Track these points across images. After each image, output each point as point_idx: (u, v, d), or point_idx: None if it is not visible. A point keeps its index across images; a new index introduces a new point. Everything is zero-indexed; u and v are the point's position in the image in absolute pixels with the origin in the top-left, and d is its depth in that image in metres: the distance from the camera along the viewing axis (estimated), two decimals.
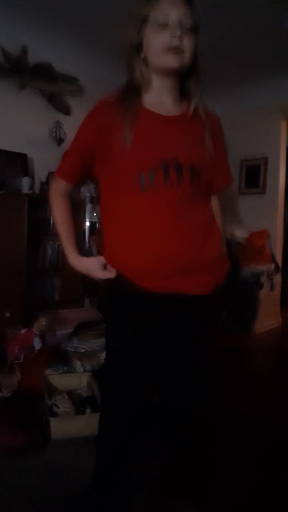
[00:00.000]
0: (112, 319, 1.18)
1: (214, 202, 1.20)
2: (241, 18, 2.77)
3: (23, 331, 2.32)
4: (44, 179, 3.08)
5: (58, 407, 1.83)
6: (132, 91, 1.06)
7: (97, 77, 3.32)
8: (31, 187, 2.87)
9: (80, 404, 1.87)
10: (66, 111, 3.32)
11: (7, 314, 2.62)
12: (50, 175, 3.10)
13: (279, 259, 4.08)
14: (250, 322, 3.68)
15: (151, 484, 1.40)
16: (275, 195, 4.07)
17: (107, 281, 1.11)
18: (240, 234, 3.96)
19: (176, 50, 0.98)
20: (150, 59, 1.02)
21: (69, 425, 1.74)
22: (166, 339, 1.14)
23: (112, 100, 1.05)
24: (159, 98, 1.07)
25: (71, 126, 3.31)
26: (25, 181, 2.83)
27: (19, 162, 2.97)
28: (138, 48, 1.03)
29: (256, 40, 3.07)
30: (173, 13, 0.97)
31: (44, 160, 3.18)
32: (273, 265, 3.91)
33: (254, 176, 4.14)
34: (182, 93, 1.09)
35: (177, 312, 1.09)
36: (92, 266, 1.12)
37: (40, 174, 3.11)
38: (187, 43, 0.99)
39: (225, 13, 2.70)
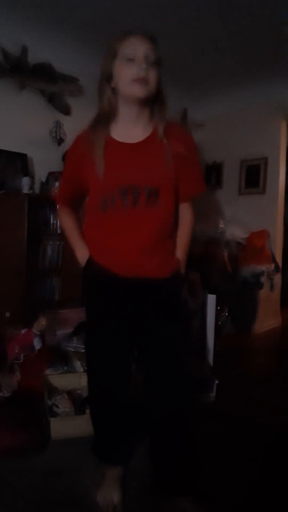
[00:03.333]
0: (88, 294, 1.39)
1: (185, 211, 1.32)
2: (241, 18, 2.77)
3: (23, 331, 2.32)
4: (44, 179, 3.08)
5: (58, 407, 1.83)
6: (101, 121, 1.22)
7: (97, 77, 3.31)
8: (31, 187, 2.87)
9: (80, 404, 1.87)
10: (66, 111, 3.32)
11: (7, 314, 2.62)
12: (50, 175, 3.10)
13: (279, 259, 4.09)
14: (250, 322, 3.69)
15: (149, 482, 1.40)
16: (275, 195, 4.07)
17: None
18: (240, 234, 3.96)
19: (142, 80, 1.12)
20: (120, 89, 1.17)
21: (69, 425, 1.74)
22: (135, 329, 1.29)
23: (85, 134, 1.24)
24: (125, 125, 1.21)
25: (71, 126, 3.31)
26: (25, 181, 2.83)
27: (19, 162, 2.97)
28: (108, 78, 1.19)
29: (256, 40, 3.07)
30: (140, 49, 1.12)
31: (44, 160, 3.18)
32: (273, 265, 3.91)
33: (254, 176, 4.14)
34: (152, 119, 1.23)
35: (139, 296, 1.24)
36: None
37: (40, 174, 3.10)
38: (151, 75, 1.14)
39: (225, 13, 2.70)
